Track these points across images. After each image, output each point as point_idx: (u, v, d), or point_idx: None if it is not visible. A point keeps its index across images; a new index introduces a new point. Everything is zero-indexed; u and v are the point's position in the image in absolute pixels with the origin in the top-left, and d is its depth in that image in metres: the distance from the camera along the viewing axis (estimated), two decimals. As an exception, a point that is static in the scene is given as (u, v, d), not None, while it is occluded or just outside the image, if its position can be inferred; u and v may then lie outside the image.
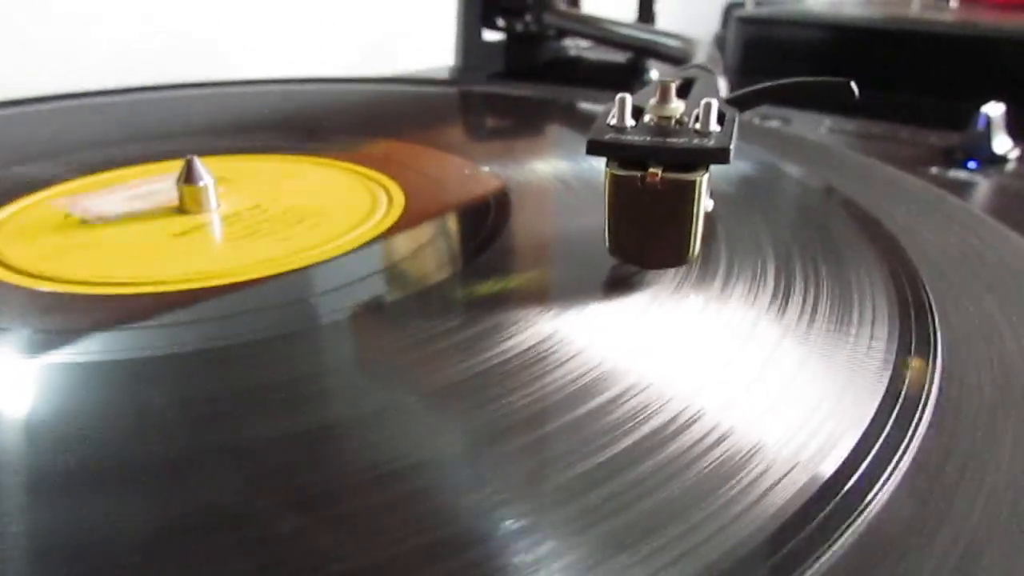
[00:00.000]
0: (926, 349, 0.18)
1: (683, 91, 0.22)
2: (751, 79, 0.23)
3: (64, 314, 0.19)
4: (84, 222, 0.24)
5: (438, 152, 0.30)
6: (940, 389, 0.17)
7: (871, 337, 0.18)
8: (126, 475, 0.14)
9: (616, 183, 0.18)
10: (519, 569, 0.12)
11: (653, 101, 0.20)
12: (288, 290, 0.20)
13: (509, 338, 0.17)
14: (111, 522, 0.13)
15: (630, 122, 0.19)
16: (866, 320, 0.19)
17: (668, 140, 0.19)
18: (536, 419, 0.15)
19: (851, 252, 0.22)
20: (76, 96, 0.38)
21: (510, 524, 0.13)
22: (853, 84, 0.20)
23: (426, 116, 0.38)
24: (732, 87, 0.26)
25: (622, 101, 0.19)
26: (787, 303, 0.19)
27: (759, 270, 0.21)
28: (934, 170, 0.35)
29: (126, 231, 0.23)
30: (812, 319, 0.19)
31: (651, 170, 0.18)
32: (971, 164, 0.36)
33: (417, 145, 0.31)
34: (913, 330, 0.19)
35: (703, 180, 0.18)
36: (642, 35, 0.45)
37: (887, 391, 0.16)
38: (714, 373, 0.17)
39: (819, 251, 0.22)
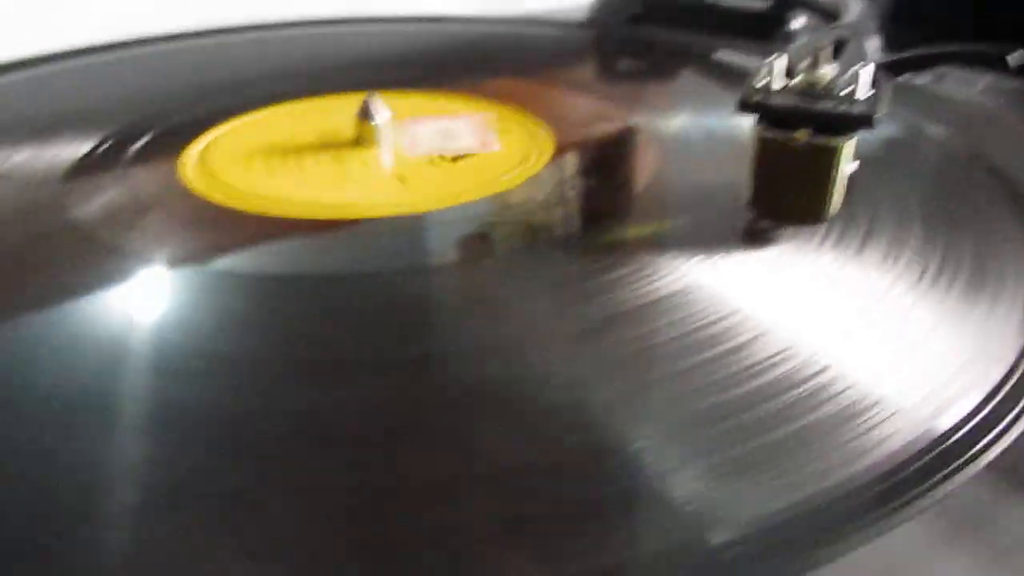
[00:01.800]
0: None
1: (835, 52, 0.23)
2: (905, 32, 0.23)
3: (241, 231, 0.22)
4: (276, 150, 0.27)
5: (582, 96, 0.32)
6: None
7: (1010, 307, 0.19)
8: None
9: (763, 143, 0.20)
10: (653, 479, 0.14)
11: (804, 64, 0.21)
12: (453, 223, 0.23)
13: (650, 281, 0.19)
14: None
15: (780, 83, 0.21)
16: (1004, 290, 0.19)
17: (816, 104, 0.20)
18: (673, 355, 0.17)
19: (995, 222, 0.23)
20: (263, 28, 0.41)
21: (640, 444, 0.15)
22: (1010, 57, 0.20)
23: (566, 59, 0.39)
24: (886, 40, 0.27)
25: (773, 62, 0.20)
26: (925, 267, 0.20)
27: (897, 232, 0.21)
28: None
29: (308, 159, 0.26)
30: (950, 284, 0.19)
31: (796, 133, 0.19)
32: None
33: (561, 88, 0.33)
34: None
35: (847, 146, 0.19)
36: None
37: (1018, 359, 0.17)
38: (845, 327, 0.18)
39: (960, 218, 0.22)
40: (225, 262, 0.20)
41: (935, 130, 0.29)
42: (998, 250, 0.21)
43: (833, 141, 0.19)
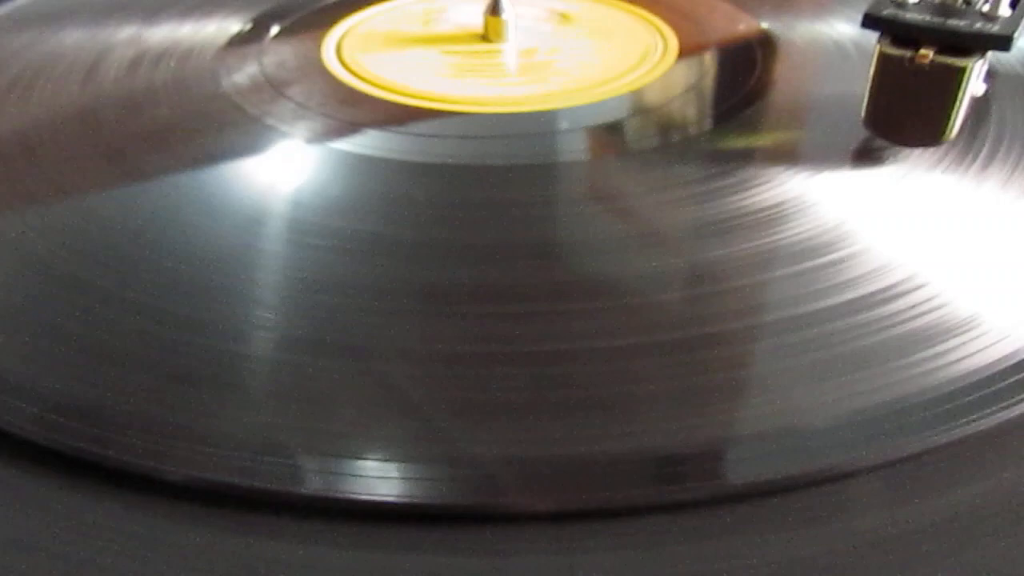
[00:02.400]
0: None
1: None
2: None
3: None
4: (410, 41, 0.28)
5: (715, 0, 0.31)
6: None
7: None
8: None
9: (884, 59, 0.19)
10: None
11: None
12: (568, 120, 0.23)
13: (758, 189, 0.19)
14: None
15: (913, -1, 0.20)
16: None
17: (948, 21, 0.19)
18: (770, 263, 0.17)
19: None
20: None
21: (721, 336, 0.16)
22: None
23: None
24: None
25: (909, -25, 0.20)
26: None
27: (1020, 158, 0.20)
28: None
29: (440, 51, 0.27)
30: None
31: (922, 51, 0.19)
32: None
33: None
34: None
35: (974, 67, 0.18)
36: None
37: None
38: (949, 248, 0.18)
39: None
40: (361, 143, 0.22)
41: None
42: None
43: (960, 61, 0.18)
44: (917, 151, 0.20)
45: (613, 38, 0.28)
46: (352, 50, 0.27)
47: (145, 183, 0.20)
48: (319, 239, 0.18)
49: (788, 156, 0.21)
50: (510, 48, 0.27)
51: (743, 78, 0.25)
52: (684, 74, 0.25)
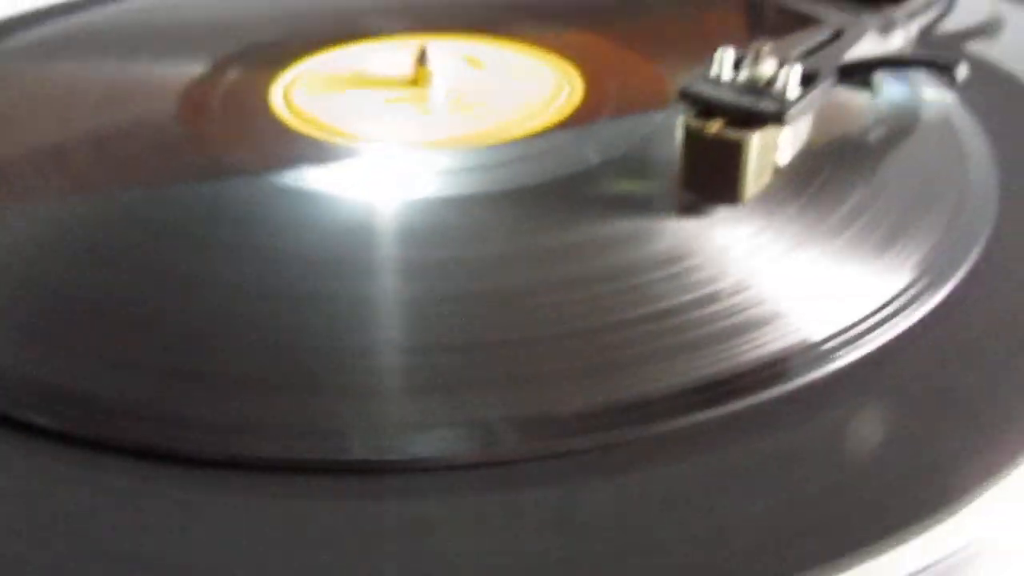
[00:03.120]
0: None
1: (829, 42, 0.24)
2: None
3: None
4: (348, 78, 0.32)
5: (632, 52, 0.33)
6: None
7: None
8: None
9: (686, 129, 0.22)
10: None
11: (748, 59, 0.22)
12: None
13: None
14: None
15: (728, 75, 0.22)
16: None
17: (741, 98, 0.21)
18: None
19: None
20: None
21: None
22: (959, 68, 0.21)
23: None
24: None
25: (721, 55, 0.22)
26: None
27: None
28: None
29: (377, 93, 0.31)
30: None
31: (708, 123, 0.21)
32: None
33: (618, 42, 0.34)
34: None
35: (754, 139, 0.21)
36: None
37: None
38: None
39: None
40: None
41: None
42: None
43: (738, 135, 0.21)
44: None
45: (524, 81, 0.31)
46: (297, 93, 0.31)
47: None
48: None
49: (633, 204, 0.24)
50: (438, 92, 0.31)
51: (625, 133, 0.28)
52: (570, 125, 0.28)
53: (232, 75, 0.31)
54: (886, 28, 0.26)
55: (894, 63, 0.22)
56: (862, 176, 0.24)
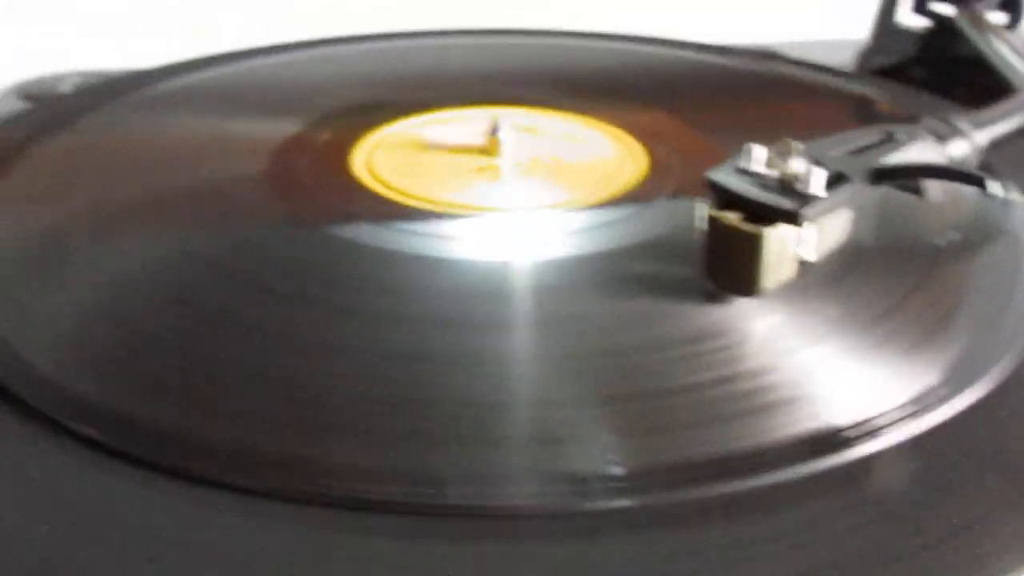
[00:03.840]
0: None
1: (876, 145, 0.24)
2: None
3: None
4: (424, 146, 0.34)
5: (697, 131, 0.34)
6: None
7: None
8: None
9: (710, 219, 0.22)
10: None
11: (778, 155, 0.23)
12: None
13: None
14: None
15: (757, 168, 0.23)
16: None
17: (763, 193, 0.22)
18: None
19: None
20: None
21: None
22: (993, 186, 0.20)
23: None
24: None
25: (752, 148, 0.23)
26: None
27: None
28: None
29: (450, 159, 0.33)
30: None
31: (729, 215, 0.22)
32: None
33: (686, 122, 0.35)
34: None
35: (769, 234, 0.21)
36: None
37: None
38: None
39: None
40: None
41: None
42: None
43: (755, 229, 0.21)
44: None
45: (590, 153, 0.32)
46: (377, 156, 0.33)
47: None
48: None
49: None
50: (510, 161, 0.32)
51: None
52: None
53: (321, 136, 0.34)
54: (945, 136, 0.25)
55: (926, 173, 0.22)
56: (913, 273, 0.24)
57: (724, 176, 0.23)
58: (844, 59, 0.52)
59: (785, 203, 0.21)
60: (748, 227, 0.22)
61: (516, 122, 0.34)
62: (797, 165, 0.22)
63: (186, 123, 0.35)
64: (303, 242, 0.27)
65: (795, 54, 0.50)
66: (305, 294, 0.24)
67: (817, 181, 0.22)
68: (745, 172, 0.23)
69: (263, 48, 0.44)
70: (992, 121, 0.27)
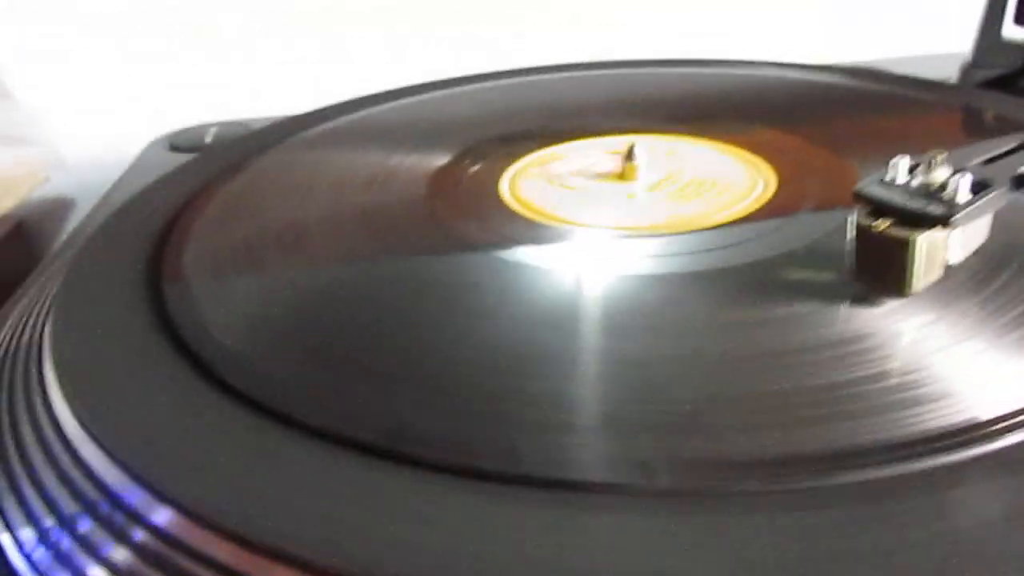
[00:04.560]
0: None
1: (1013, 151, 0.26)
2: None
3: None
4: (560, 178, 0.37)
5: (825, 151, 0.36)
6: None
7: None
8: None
9: (858, 226, 0.25)
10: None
11: (922, 166, 0.25)
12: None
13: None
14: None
15: (903, 179, 0.25)
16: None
17: (910, 201, 0.24)
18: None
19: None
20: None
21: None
22: None
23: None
24: None
25: (897, 161, 0.25)
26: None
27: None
28: None
29: (588, 184, 0.36)
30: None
31: (877, 222, 0.24)
32: None
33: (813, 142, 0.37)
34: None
35: (919, 239, 0.23)
36: None
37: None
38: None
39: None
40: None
41: None
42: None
43: (904, 233, 0.23)
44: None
45: (721, 176, 0.35)
46: (522, 181, 0.36)
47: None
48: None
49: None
50: (646, 184, 0.35)
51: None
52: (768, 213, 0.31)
53: (471, 164, 0.37)
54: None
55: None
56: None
57: (872, 188, 0.25)
58: (943, 73, 0.53)
59: (935, 209, 0.23)
60: (900, 233, 0.23)
61: (649, 147, 0.36)
62: (942, 173, 0.24)
63: (348, 159, 0.39)
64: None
65: (898, 70, 0.51)
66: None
67: (964, 188, 0.23)
68: (891, 184, 0.25)
69: (404, 89, 0.48)
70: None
